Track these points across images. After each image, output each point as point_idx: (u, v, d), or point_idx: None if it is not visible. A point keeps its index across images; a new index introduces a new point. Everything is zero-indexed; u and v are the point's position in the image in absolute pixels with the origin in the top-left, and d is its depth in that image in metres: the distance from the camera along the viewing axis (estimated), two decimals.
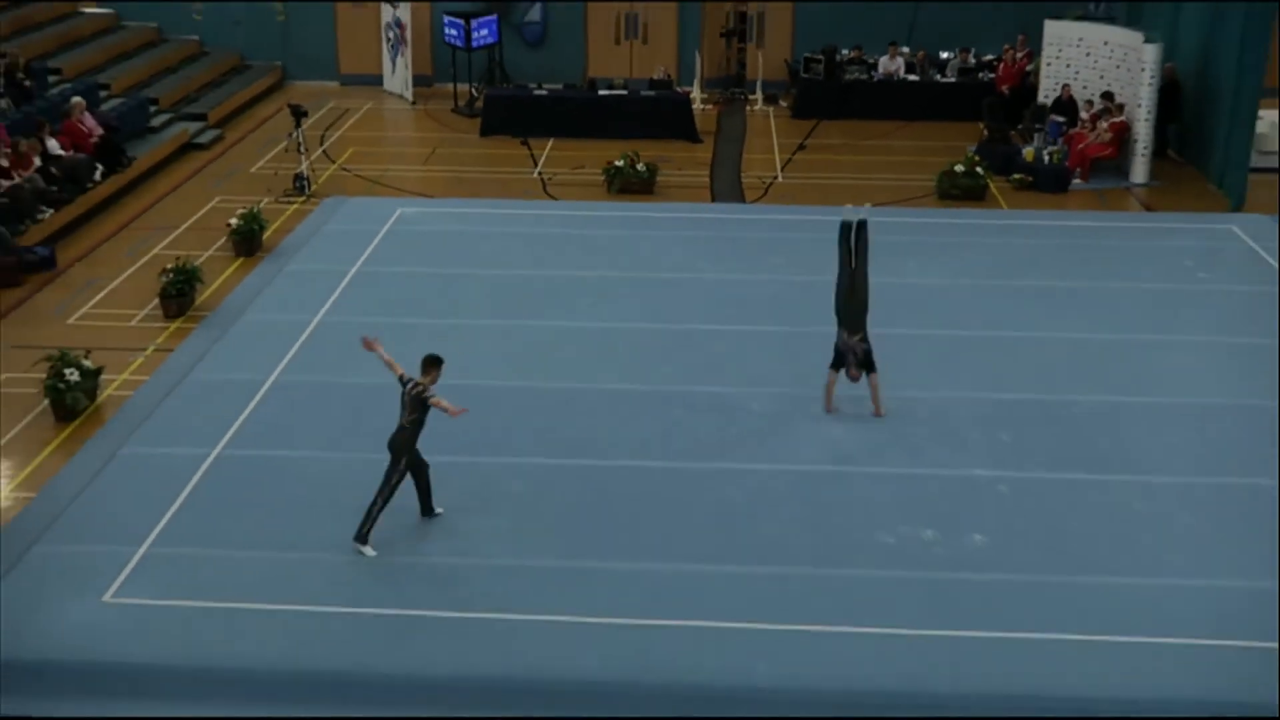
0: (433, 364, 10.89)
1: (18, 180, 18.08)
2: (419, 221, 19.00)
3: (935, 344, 14.88)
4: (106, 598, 10.18)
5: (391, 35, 26.49)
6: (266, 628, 9.83)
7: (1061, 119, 21.83)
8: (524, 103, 23.99)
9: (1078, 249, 17.86)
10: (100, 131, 20.33)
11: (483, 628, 9.81)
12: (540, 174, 21.91)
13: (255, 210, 18.00)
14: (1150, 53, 20.63)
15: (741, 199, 20.71)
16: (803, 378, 13.93)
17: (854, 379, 12.57)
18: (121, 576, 10.43)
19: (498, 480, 11.86)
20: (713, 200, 20.69)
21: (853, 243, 12.47)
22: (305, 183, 20.46)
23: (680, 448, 12.50)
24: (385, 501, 10.68)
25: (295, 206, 19.88)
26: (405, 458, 10.70)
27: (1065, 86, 22.06)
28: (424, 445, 11.69)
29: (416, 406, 10.69)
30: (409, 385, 10.80)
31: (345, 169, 22.09)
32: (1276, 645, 9.52)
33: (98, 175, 19.73)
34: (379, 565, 10.55)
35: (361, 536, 10.68)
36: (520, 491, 11.71)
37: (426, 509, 11.10)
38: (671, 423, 13.01)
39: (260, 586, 10.28)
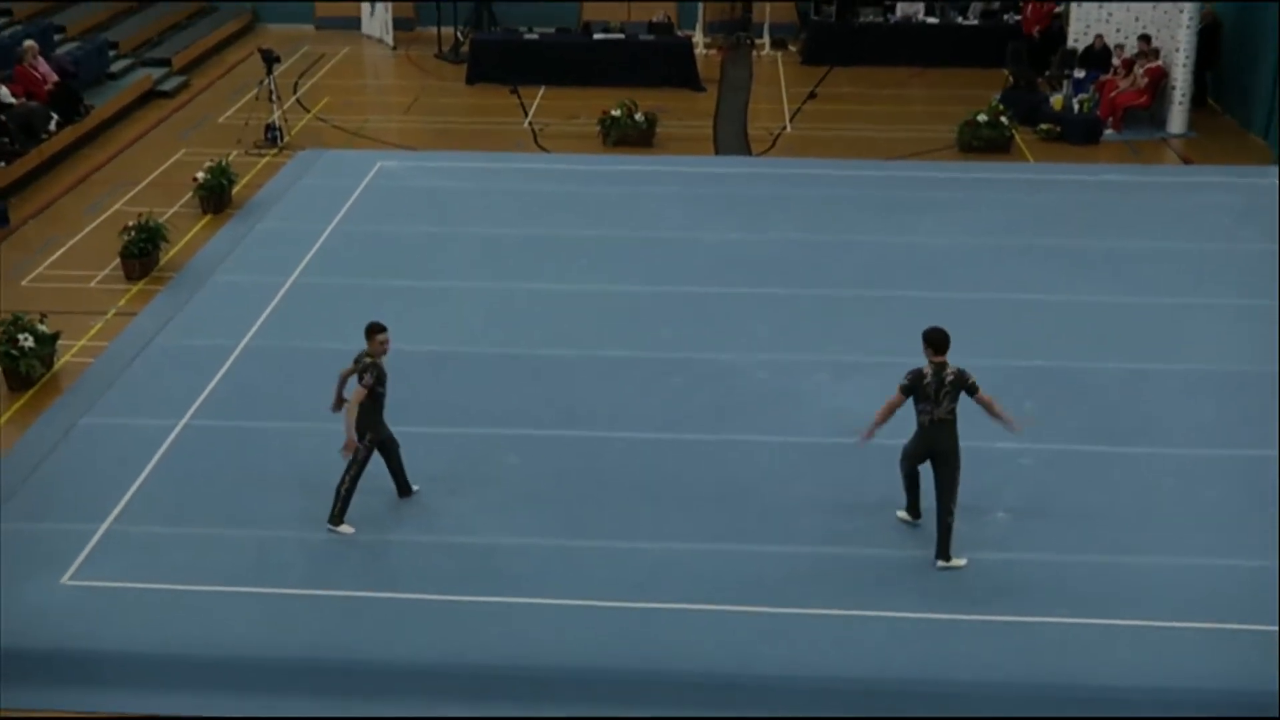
0: (373, 332, 10.72)
1: None
2: (400, 176, 18.90)
3: (953, 308, 14.76)
4: (65, 579, 10.17)
5: None
6: (238, 612, 9.83)
7: (1082, 74, 21.69)
8: (513, 48, 23.84)
9: (1108, 205, 17.80)
10: (55, 78, 20.19)
11: (471, 612, 9.82)
12: (531, 125, 21.80)
13: (224, 163, 17.91)
14: None
15: (747, 152, 20.61)
16: (812, 343, 13.91)
17: None
18: (81, 557, 10.42)
19: (487, 453, 11.86)
20: (716, 153, 20.60)
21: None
22: (278, 134, 20.35)
23: (681, 418, 12.49)
24: (353, 482, 10.65)
25: (267, 159, 19.79)
26: (368, 434, 10.65)
27: (1098, 37, 21.90)
28: (408, 416, 11.76)
29: (371, 380, 10.56)
30: (358, 363, 10.64)
31: (321, 119, 21.97)
32: None
33: (53, 125, 19.62)
34: (361, 545, 10.56)
35: (335, 518, 10.68)
36: (511, 465, 11.71)
37: (403, 488, 11.10)
38: (671, 392, 13.00)
39: (231, 568, 10.27)
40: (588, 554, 10.50)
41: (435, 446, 11.86)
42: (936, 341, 10.27)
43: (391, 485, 11.12)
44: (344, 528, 10.66)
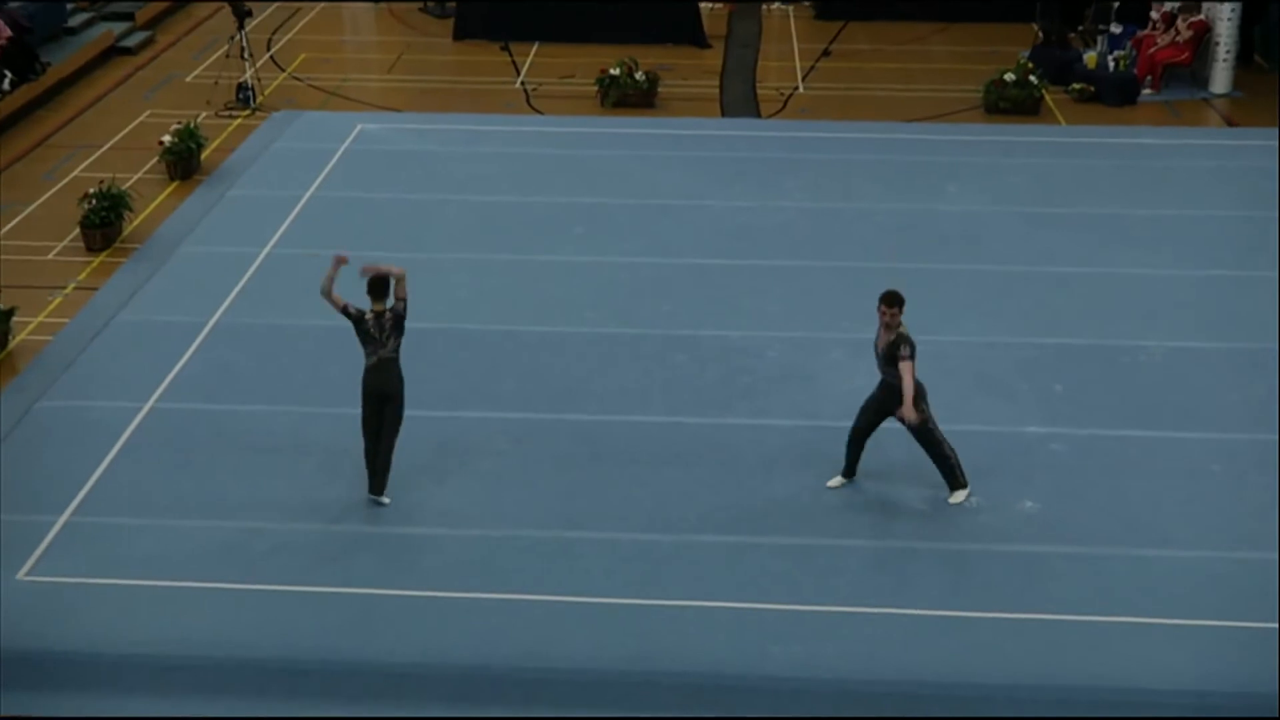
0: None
1: None
2: (382, 139, 18.83)
3: (979, 280, 14.79)
4: (21, 575, 10.14)
5: None
6: (209, 609, 9.81)
7: (1119, 29, 21.57)
8: (504, 1, 23.71)
9: (1146, 171, 17.72)
10: (8, 33, 20.09)
11: (459, 609, 9.80)
12: (523, 84, 21.69)
13: (192, 126, 17.83)
14: None
15: (756, 114, 20.52)
16: (825, 319, 13.86)
17: None
18: (39, 550, 10.39)
19: (476, 437, 11.83)
20: (722, 115, 20.50)
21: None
22: (250, 94, 20.26)
23: (684, 400, 12.46)
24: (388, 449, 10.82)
25: (238, 122, 19.70)
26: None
27: None
28: None
29: (399, 328, 10.73)
30: (381, 313, 10.73)
31: (296, 78, 21.87)
32: None
33: (6, 84, 19.54)
34: (339, 537, 10.53)
35: (378, 488, 10.81)
36: (501, 450, 11.67)
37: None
38: (674, 371, 12.96)
39: (201, 561, 10.25)
40: (585, 547, 10.47)
41: (420, 432, 11.78)
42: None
43: (365, 474, 11.13)
44: (383, 499, 10.85)
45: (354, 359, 12.06)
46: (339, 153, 18.20)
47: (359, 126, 19.15)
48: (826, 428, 11.87)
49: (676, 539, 10.54)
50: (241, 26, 20.38)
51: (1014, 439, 11.82)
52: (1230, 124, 19.90)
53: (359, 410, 10.99)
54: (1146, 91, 20.90)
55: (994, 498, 10.99)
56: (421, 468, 11.36)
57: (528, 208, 16.57)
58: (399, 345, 10.82)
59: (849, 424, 11.35)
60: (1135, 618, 9.71)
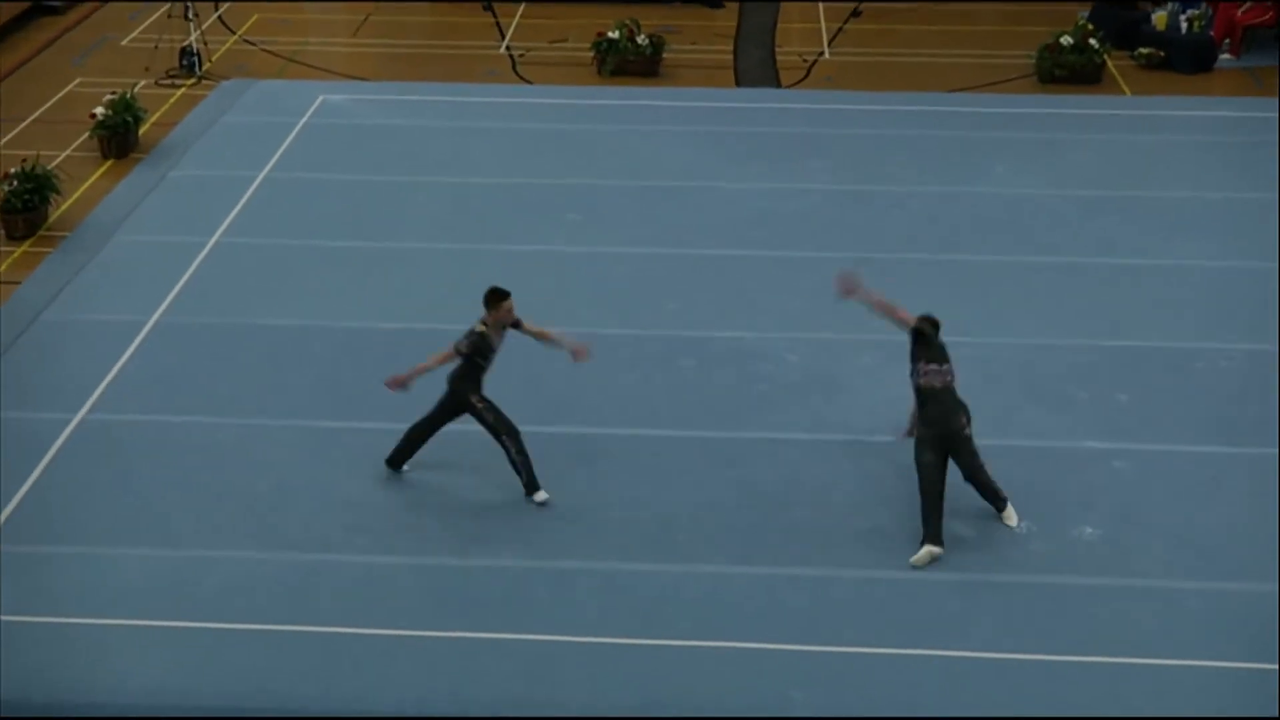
0: (497, 299, 11.30)
1: None
2: (347, 112, 18.86)
3: (1030, 274, 14.82)
4: None
5: None
6: (148, 651, 9.81)
7: None
8: None
9: (1222, 148, 17.76)
10: None
11: (434, 650, 9.81)
12: (509, 49, 21.74)
13: (128, 97, 17.87)
14: None
15: (775, 83, 20.56)
16: (853, 319, 13.83)
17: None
18: None
19: (454, 452, 11.83)
20: (737, 85, 20.55)
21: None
22: (195, 60, 20.30)
23: (692, 411, 12.49)
24: (519, 443, 11.13)
25: (182, 91, 19.75)
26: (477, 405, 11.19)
27: None
28: (361, 409, 12.11)
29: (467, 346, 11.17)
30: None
31: (249, 42, 21.92)
32: None
33: None
34: (298, 569, 10.53)
35: (533, 486, 11.14)
36: (483, 467, 11.68)
37: (398, 462, 11.51)
38: (681, 378, 12.99)
39: (139, 596, 10.25)
40: (578, 578, 10.48)
41: (389, 446, 11.80)
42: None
43: (336, 496, 11.18)
44: (540, 494, 11.19)
45: (313, 363, 12.16)
46: (297, 127, 18.23)
47: (320, 98, 19.19)
48: (855, 442, 11.90)
49: (683, 570, 10.56)
50: None
51: (1071, 456, 11.83)
52: None
53: (319, 423, 11.01)
54: (1225, 56, 20.95)
55: (1048, 523, 10.99)
56: (393, 488, 11.39)
57: (514, 191, 16.59)
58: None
59: (880, 438, 11.37)
60: (1211, 661, 9.71)
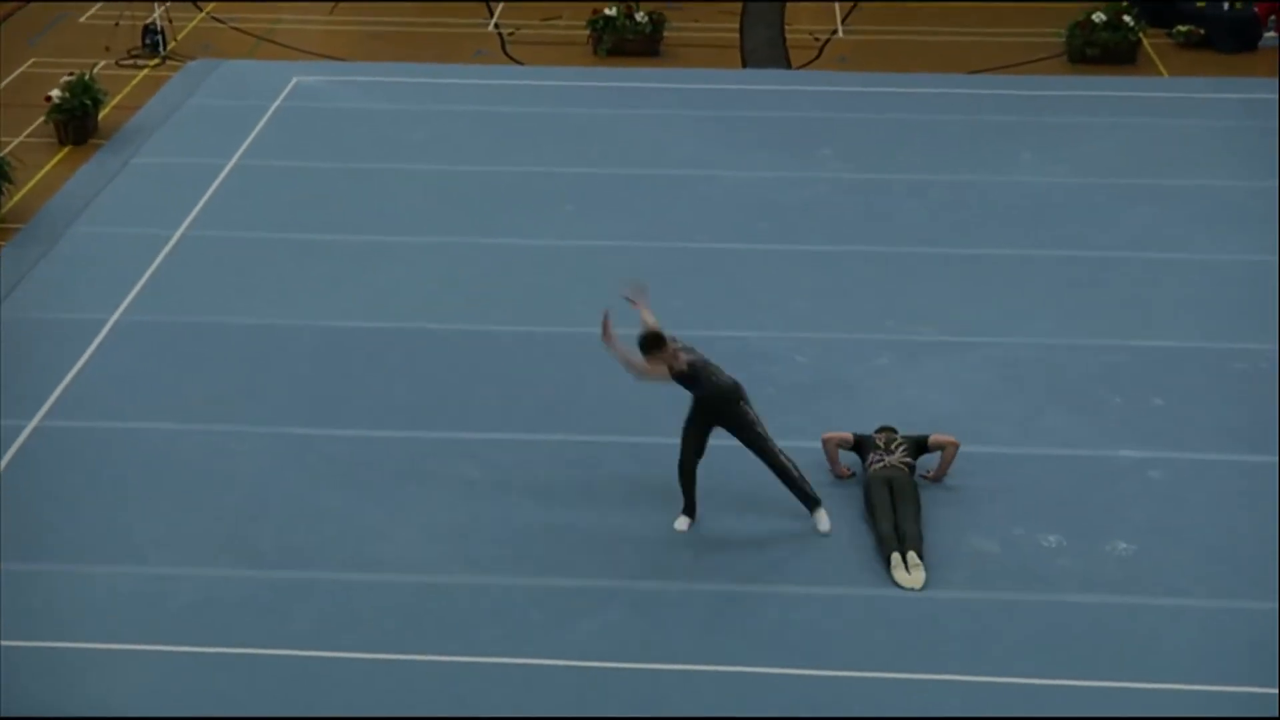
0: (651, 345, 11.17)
1: None
2: (323, 95, 18.89)
3: (1058, 269, 14.84)
4: None
5: None
6: (111, 673, 9.79)
7: None
8: None
9: (1266, 134, 17.76)
10: None
11: (414, 674, 9.80)
12: (498, 27, 21.75)
13: (87, 78, 17.88)
14: None
15: (785, 64, 20.58)
16: (867, 317, 13.93)
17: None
18: None
19: (438, 462, 11.87)
20: (743, 66, 20.57)
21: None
22: (159, 38, 20.31)
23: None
24: (791, 464, 11.08)
25: (145, 72, 19.76)
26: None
27: None
28: (337, 413, 12.14)
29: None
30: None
31: (217, 19, 21.93)
32: None
33: None
34: (271, 586, 10.50)
35: (814, 502, 11.12)
36: (469, 479, 11.72)
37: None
38: None
39: (103, 615, 10.25)
40: (569, 598, 10.48)
41: (371, 454, 11.86)
42: None
43: (313, 508, 11.21)
44: (679, 521, 11.20)
45: (288, 365, 12.16)
46: (270, 111, 18.26)
47: (294, 79, 19.21)
48: None
49: (683, 588, 10.57)
50: None
51: (1102, 465, 11.85)
52: None
53: (295, 430, 11.02)
54: (1270, 35, 20.95)
55: (1077, 537, 11.02)
56: (373, 500, 11.40)
57: (504, 180, 16.63)
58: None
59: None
60: (1253, 687, 9.70)
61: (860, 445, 11.51)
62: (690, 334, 13.54)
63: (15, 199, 16.25)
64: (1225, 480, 11.74)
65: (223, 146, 17.28)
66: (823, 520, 11.10)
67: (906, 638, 10.13)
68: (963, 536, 11.05)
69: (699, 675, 9.77)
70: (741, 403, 10.99)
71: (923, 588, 10.46)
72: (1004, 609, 10.40)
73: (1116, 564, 10.83)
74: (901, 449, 11.36)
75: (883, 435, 11.57)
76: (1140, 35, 20.40)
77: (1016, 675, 9.82)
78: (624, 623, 10.24)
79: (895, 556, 10.64)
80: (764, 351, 13.37)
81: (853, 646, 10.04)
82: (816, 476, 11.45)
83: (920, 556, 10.64)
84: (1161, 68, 20.18)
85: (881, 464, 11.27)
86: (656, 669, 9.82)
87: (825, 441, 11.69)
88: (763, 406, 12.51)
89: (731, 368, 13.03)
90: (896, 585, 10.52)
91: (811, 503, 11.13)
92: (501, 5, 22.52)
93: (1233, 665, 9.90)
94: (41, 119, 17.84)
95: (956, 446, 11.50)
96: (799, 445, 11.88)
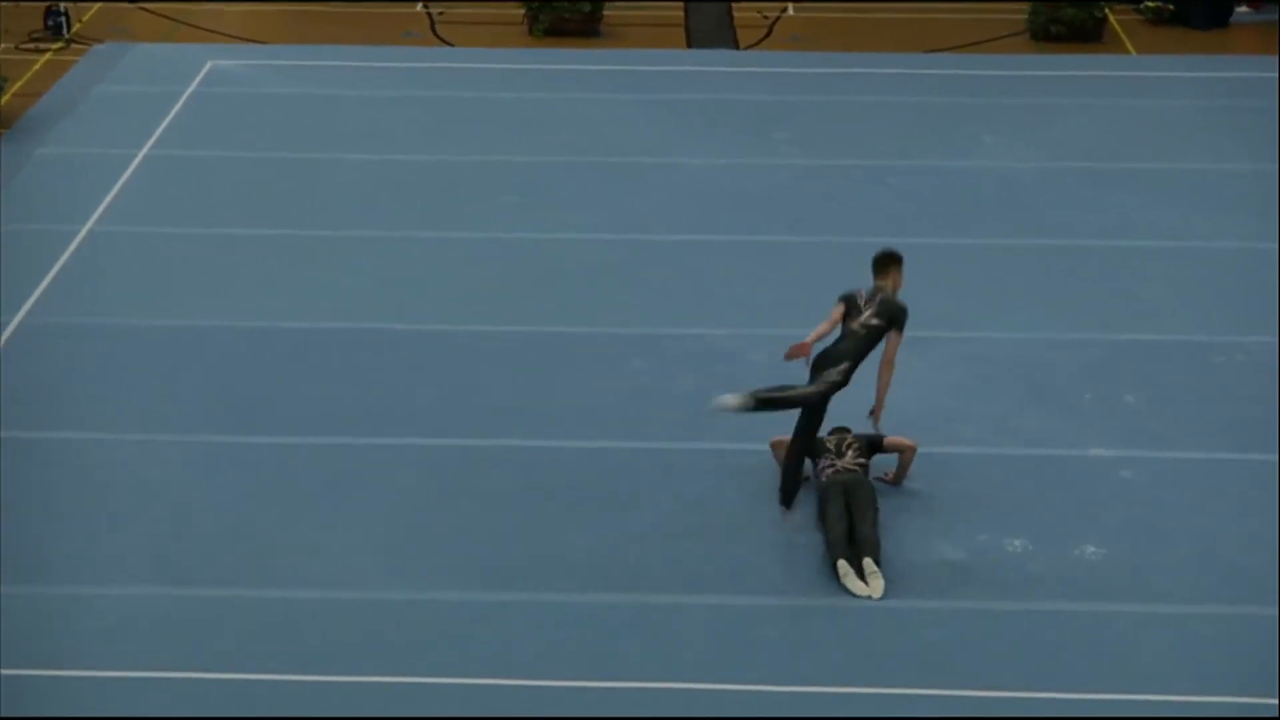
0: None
1: None
2: (241, 80, 18.83)
3: (1027, 259, 14.95)
4: None
5: None
6: (20, 702, 9.68)
7: None
8: None
9: (1241, 114, 17.96)
10: None
11: (351, 696, 9.75)
12: (426, 7, 21.71)
13: None
14: None
15: (734, 44, 20.63)
16: (824, 311, 13.91)
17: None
18: None
19: (375, 470, 11.87)
20: (688, 46, 20.60)
21: None
22: (63, 20, 20.20)
23: (647, 419, 12.56)
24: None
25: (47, 57, 19.63)
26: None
27: None
28: (263, 420, 12.16)
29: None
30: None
31: None
32: None
33: None
34: (194, 606, 10.41)
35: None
36: (407, 487, 11.72)
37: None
38: (634, 382, 13.09)
39: (6, 641, 10.11)
40: (517, 613, 10.47)
41: (302, 462, 11.85)
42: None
43: (240, 522, 11.17)
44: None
45: (208, 369, 12.10)
46: (183, 98, 18.20)
47: (210, 63, 19.14)
48: None
49: (638, 600, 10.57)
50: None
51: (1073, 464, 11.93)
52: None
53: (218, 438, 10.98)
54: (1242, 10, 21.12)
55: (1046, 541, 11.09)
56: (304, 511, 11.38)
57: (437, 169, 16.65)
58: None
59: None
60: (1232, 697, 9.75)
61: (811, 450, 11.56)
62: (642, 332, 13.71)
63: None
64: (1201, 480, 11.84)
65: (133, 136, 17.21)
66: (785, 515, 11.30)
67: (869, 650, 10.15)
68: (926, 543, 11.10)
69: (653, 694, 9.77)
70: None
71: (881, 596, 10.55)
72: (971, 618, 10.42)
73: (1087, 569, 10.88)
74: (853, 450, 11.41)
75: (834, 437, 11.59)
76: (1106, 11, 20.53)
77: (984, 688, 9.84)
78: (573, 639, 10.24)
79: (843, 564, 10.66)
80: (721, 349, 13.42)
81: (814, 660, 10.06)
82: (766, 480, 11.56)
83: (878, 563, 10.70)
84: (1129, 45, 20.33)
85: (833, 469, 11.30)
86: (608, 687, 9.81)
87: (774, 447, 11.74)
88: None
89: (685, 367, 13.20)
90: (850, 594, 10.58)
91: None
92: None
93: (1211, 673, 9.95)
94: None
95: (914, 450, 11.58)
96: (755, 449, 11.96)
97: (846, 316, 11.16)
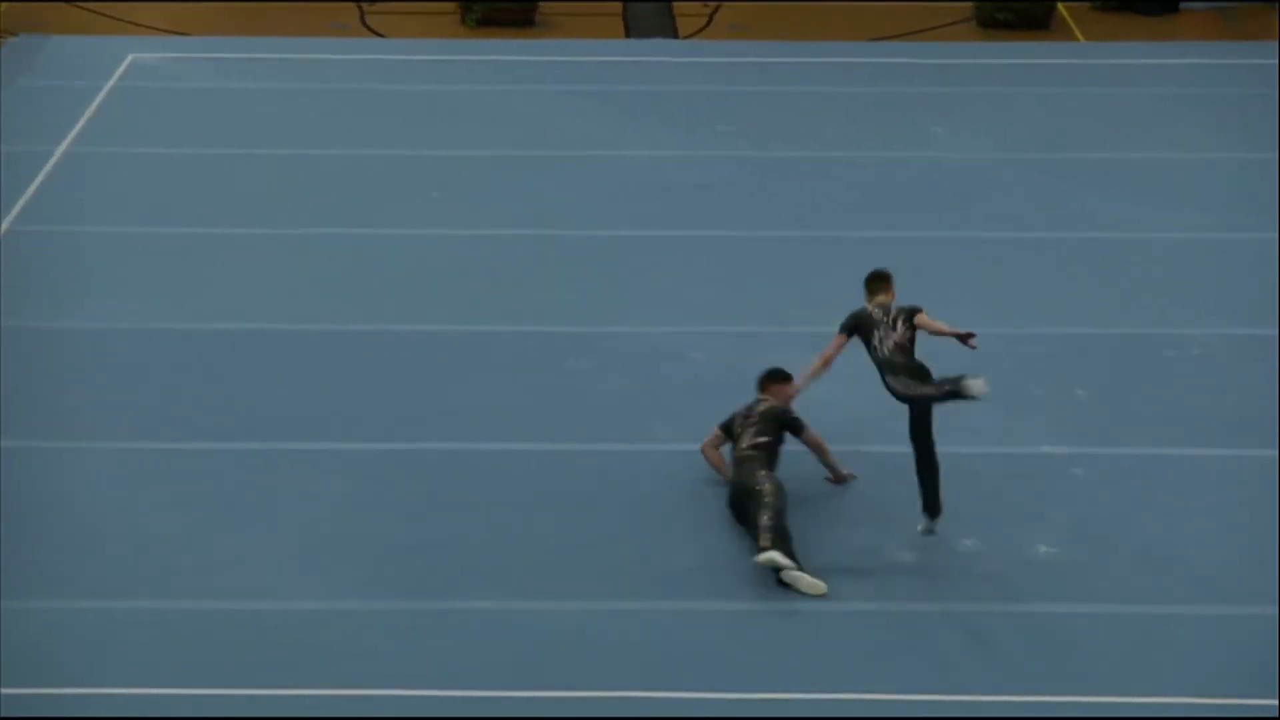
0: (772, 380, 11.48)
1: None
2: (163, 74, 18.70)
3: (974, 252, 14.97)
4: None
5: None
6: None
7: None
8: None
9: (1192, 102, 18.03)
10: None
11: (262, 711, 9.67)
12: None
13: None
14: None
15: (672, 33, 20.61)
16: (769, 308, 13.97)
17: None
18: None
19: (290, 476, 11.77)
20: (626, 36, 20.58)
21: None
22: None
23: (580, 421, 12.52)
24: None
25: None
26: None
27: None
28: (182, 425, 12.04)
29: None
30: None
31: None
32: None
33: None
34: (90, 619, 10.30)
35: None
36: (325, 494, 11.62)
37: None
38: (565, 382, 13.02)
39: None
40: (445, 622, 10.41)
41: (222, 468, 11.74)
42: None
43: (150, 529, 11.08)
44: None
45: (122, 372, 12.00)
46: (103, 93, 18.06)
47: (131, 56, 19.00)
48: None
49: (574, 607, 10.53)
50: None
51: (1022, 462, 11.96)
52: None
53: (127, 444, 10.87)
54: None
55: (996, 541, 11.09)
56: (216, 517, 11.28)
57: (366, 165, 16.57)
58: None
59: (800, 447, 11.40)
60: (1188, 697, 9.77)
61: (728, 432, 11.58)
62: (574, 330, 13.66)
63: None
64: (1152, 476, 11.87)
65: (50, 132, 17.08)
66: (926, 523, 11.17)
67: (817, 654, 10.13)
68: (874, 544, 11.09)
69: (587, 703, 9.71)
70: None
71: (776, 565, 10.46)
72: (920, 620, 10.43)
73: (1037, 569, 10.88)
74: (753, 430, 11.34)
75: (740, 417, 11.52)
76: None
77: (934, 691, 9.83)
78: (499, 647, 10.18)
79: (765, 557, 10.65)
80: (657, 347, 13.38)
81: (761, 665, 10.04)
82: (708, 483, 11.51)
83: (788, 555, 10.59)
84: (1078, 32, 20.42)
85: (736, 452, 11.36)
86: (538, 697, 9.75)
87: (704, 450, 11.69)
88: (655, 408, 12.62)
89: (624, 366, 13.16)
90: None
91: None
92: None
93: (1161, 675, 9.97)
94: None
95: (824, 450, 11.56)
96: (695, 450, 11.92)
97: (868, 340, 11.10)
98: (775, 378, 11.54)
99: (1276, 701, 9.62)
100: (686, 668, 10.01)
